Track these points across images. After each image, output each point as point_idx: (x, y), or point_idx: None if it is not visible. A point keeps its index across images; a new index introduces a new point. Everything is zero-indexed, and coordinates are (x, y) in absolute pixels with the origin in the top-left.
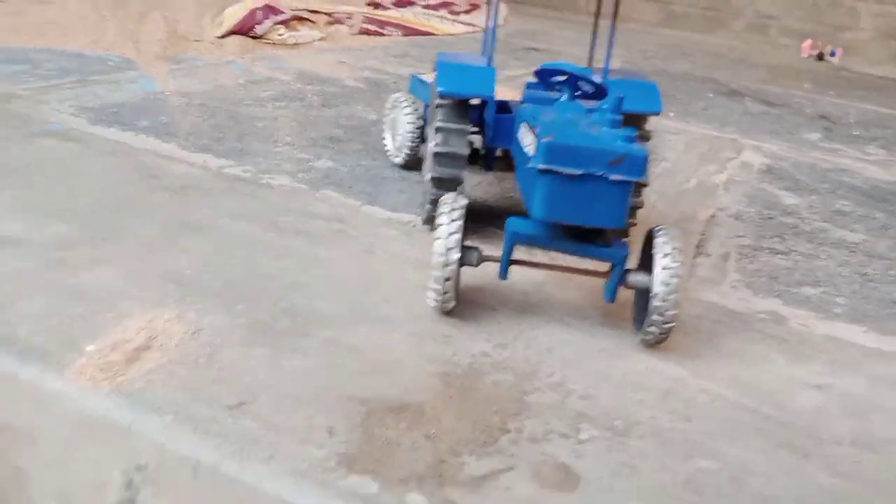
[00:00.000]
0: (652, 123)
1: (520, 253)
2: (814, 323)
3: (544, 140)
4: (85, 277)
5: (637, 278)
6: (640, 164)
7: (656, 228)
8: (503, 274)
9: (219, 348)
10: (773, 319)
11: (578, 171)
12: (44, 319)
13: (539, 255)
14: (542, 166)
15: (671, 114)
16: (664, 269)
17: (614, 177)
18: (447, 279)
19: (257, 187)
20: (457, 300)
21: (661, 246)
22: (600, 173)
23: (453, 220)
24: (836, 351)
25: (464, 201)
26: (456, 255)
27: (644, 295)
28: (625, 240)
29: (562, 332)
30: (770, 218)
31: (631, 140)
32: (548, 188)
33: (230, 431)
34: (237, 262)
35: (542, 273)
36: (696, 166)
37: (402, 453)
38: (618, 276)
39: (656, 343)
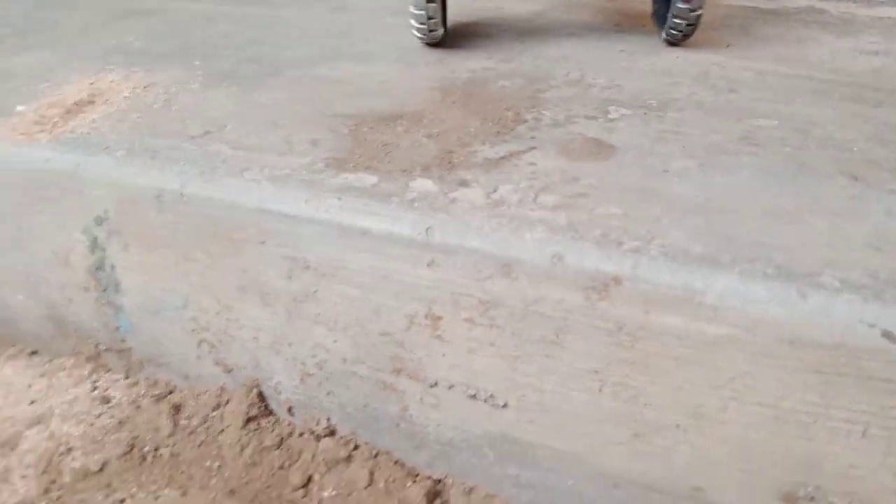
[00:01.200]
0: None
1: None
2: (855, 9)
3: None
4: (15, 61)
5: None
6: None
7: None
8: None
9: (175, 95)
10: (812, 10)
11: None
12: None
13: None
14: None
15: None
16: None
17: None
18: (430, 18)
19: None
20: (444, 27)
21: None
22: None
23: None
24: (886, 27)
25: None
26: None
27: None
28: None
29: (574, 43)
30: None
31: None
32: None
33: (196, 156)
34: (191, 31)
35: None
36: None
37: (402, 152)
38: None
39: (683, 38)
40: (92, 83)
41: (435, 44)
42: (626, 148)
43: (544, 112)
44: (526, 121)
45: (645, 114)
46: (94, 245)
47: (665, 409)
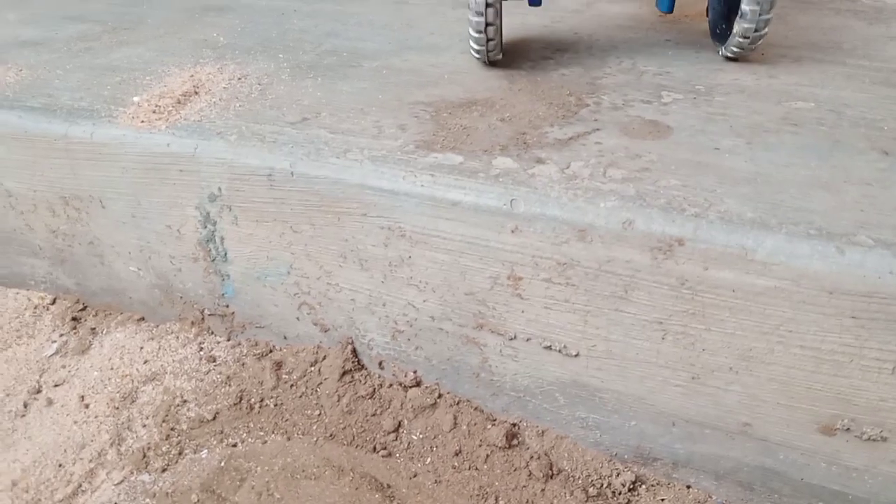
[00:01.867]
0: None
1: None
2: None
3: None
4: (115, 56)
5: None
6: None
7: None
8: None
9: (268, 85)
10: None
11: None
12: (83, 90)
13: None
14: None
15: None
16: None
17: None
18: (489, 24)
19: None
20: (502, 49)
21: None
22: None
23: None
24: None
25: None
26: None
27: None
28: None
29: (623, 33)
30: None
31: None
32: None
33: (300, 139)
34: (268, 27)
35: None
36: None
37: (480, 134)
38: None
39: (744, 56)
40: (191, 76)
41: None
42: (679, 128)
43: (603, 97)
44: (588, 105)
45: (694, 98)
46: (207, 219)
47: (719, 354)
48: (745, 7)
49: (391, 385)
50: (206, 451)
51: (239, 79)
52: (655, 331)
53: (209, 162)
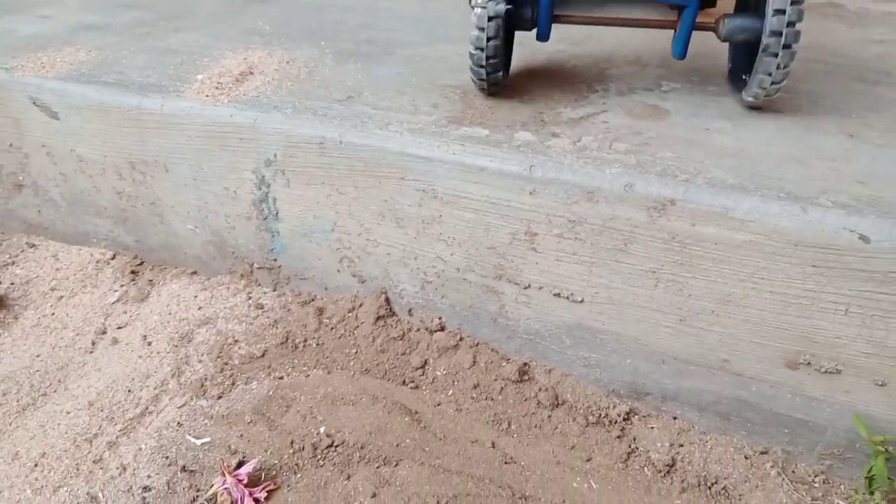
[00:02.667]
0: None
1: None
2: (870, 5)
3: None
4: (172, 40)
5: (736, 24)
6: None
7: None
8: (543, 33)
9: (314, 68)
10: (831, 4)
11: None
12: (149, 68)
13: None
14: None
15: None
16: (777, 11)
17: None
18: (490, 38)
19: None
20: (507, 72)
21: None
22: None
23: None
24: (894, 21)
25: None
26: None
27: (745, 47)
28: None
29: (630, 33)
30: None
31: None
32: None
33: (346, 113)
34: (308, 18)
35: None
36: None
37: (503, 112)
38: (691, 22)
39: (767, 98)
40: (245, 59)
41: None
42: (676, 111)
43: (610, 84)
44: (597, 91)
45: (690, 87)
46: (261, 182)
47: (703, 298)
48: (765, 60)
49: (419, 329)
50: (255, 382)
51: (287, 62)
52: (650, 279)
53: (267, 131)
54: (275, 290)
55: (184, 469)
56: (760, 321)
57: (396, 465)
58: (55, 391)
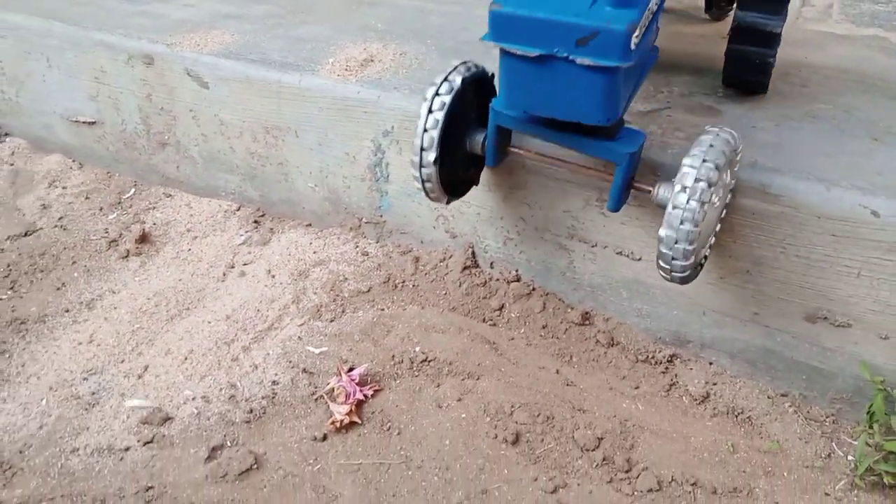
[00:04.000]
0: None
1: None
2: None
3: (492, 8)
4: (301, 31)
5: (661, 194)
6: (617, 43)
7: (709, 127)
8: (489, 160)
9: (424, 60)
10: (876, 37)
11: (535, 52)
12: (286, 51)
13: None
14: (492, 43)
15: None
16: (674, 208)
17: (581, 60)
18: (427, 180)
19: None
20: (448, 195)
21: (686, 167)
22: (564, 55)
23: (437, 97)
24: None
25: (457, 79)
26: (431, 157)
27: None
28: (636, 128)
29: (694, 48)
30: None
31: (623, 3)
32: (505, 71)
33: None
34: (414, 20)
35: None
36: None
37: None
38: (622, 180)
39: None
40: (364, 49)
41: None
42: (728, 112)
43: (674, 88)
44: (663, 92)
45: (742, 96)
46: (378, 149)
47: (740, 259)
48: (661, 232)
49: (498, 279)
50: (361, 311)
51: (400, 54)
52: None
53: (388, 107)
54: (378, 242)
55: (304, 371)
56: (786, 280)
57: (478, 378)
58: (196, 307)
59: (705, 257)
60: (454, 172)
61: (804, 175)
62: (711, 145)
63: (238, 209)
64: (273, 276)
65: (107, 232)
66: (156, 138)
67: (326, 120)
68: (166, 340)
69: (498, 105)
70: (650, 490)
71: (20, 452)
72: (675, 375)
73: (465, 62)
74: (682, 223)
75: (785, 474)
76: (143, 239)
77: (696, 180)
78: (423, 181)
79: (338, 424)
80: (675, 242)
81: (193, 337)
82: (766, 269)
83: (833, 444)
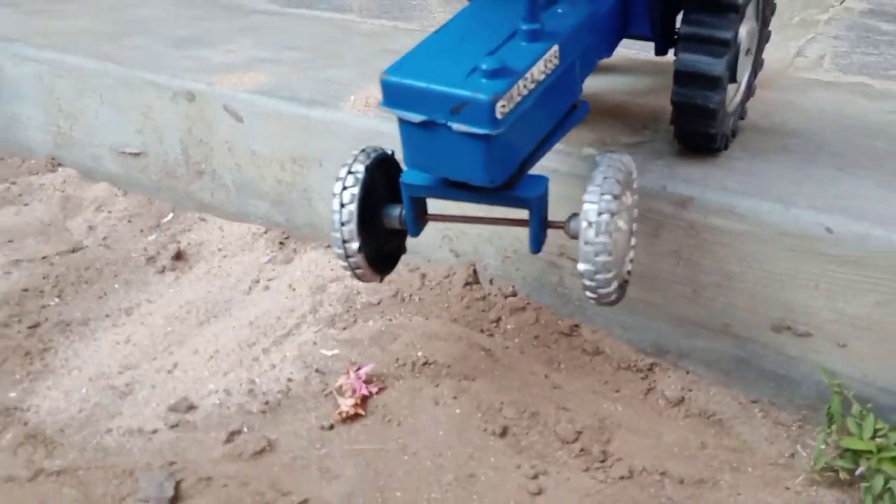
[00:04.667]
0: None
1: None
2: (894, 86)
3: (381, 77)
4: (329, 73)
5: (573, 228)
6: (482, 112)
7: (599, 157)
8: (411, 231)
9: None
10: (861, 85)
11: (419, 118)
12: (314, 90)
13: None
14: (386, 109)
15: None
16: (586, 244)
17: (457, 127)
18: (357, 268)
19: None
20: (384, 268)
21: (587, 204)
22: (443, 121)
23: (345, 190)
24: None
25: (359, 169)
26: (354, 246)
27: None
28: (539, 175)
29: None
30: (867, 37)
31: (496, 74)
32: (402, 135)
33: None
34: None
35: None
36: (800, 9)
37: (573, 136)
38: (535, 223)
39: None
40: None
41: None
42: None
43: (660, 123)
44: (648, 128)
45: None
46: None
47: (711, 274)
48: (579, 266)
49: (496, 294)
50: (371, 321)
51: None
52: (673, 258)
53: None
54: None
55: (317, 370)
56: (753, 293)
57: (473, 380)
58: (223, 315)
59: (629, 273)
60: (381, 251)
61: (767, 196)
62: (605, 177)
63: (265, 232)
64: (293, 290)
65: (146, 250)
66: (194, 168)
67: (347, 150)
68: (195, 342)
69: (406, 177)
70: (622, 477)
71: (61, 431)
72: (654, 381)
73: (363, 150)
74: (596, 256)
75: (749, 470)
76: (179, 257)
77: (599, 214)
78: (352, 269)
79: (344, 415)
80: (596, 274)
81: (219, 339)
82: (734, 282)
83: (797, 445)
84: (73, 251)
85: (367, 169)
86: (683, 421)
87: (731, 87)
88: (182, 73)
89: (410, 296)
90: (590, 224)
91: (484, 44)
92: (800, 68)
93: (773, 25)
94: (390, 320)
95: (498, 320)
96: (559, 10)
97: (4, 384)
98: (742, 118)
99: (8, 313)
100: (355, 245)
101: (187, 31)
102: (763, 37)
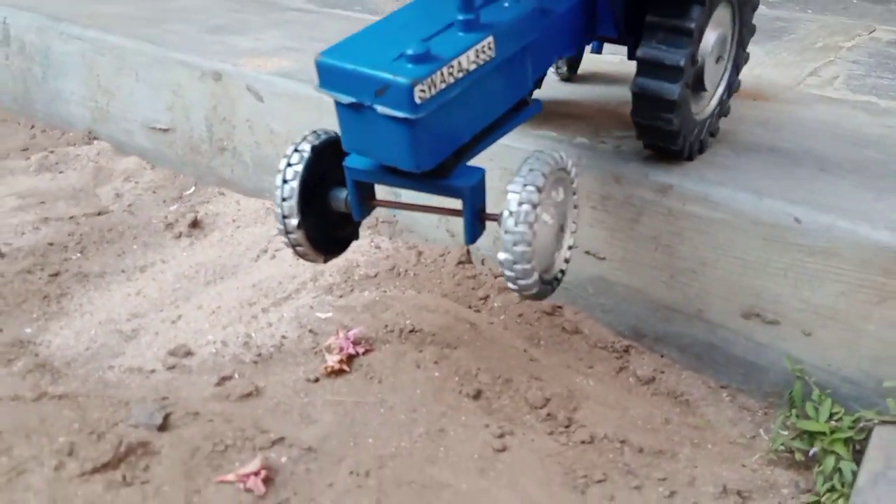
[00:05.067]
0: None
1: None
2: (877, 100)
3: (316, 59)
4: None
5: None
6: (402, 96)
7: (529, 155)
8: (355, 215)
9: None
10: (866, 103)
11: (347, 100)
12: None
13: None
14: (321, 90)
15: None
16: (506, 232)
17: (381, 109)
18: (297, 244)
19: None
20: (325, 254)
21: (510, 194)
22: (368, 104)
23: (289, 167)
24: None
25: (306, 148)
26: (294, 222)
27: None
28: (475, 165)
29: None
30: (886, 63)
31: (420, 59)
32: (338, 117)
33: None
34: None
35: None
36: (826, 36)
37: (569, 128)
38: (469, 214)
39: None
40: None
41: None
42: None
43: None
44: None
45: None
46: None
47: (687, 260)
48: (499, 255)
49: (486, 274)
50: (367, 291)
51: None
52: (651, 243)
53: None
54: (390, 239)
55: (310, 331)
56: (726, 280)
57: (455, 349)
58: (229, 277)
59: (562, 272)
60: (327, 232)
61: (740, 186)
62: (531, 169)
63: None
64: (298, 259)
65: (166, 218)
66: (216, 144)
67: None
68: (200, 299)
69: (349, 161)
70: (583, 442)
71: (67, 364)
72: (627, 361)
73: (314, 131)
74: (515, 245)
75: (709, 446)
76: (195, 225)
77: (520, 203)
78: (293, 246)
79: (329, 370)
80: (514, 263)
81: (223, 297)
82: (708, 269)
83: (760, 429)
84: (99, 214)
85: (314, 149)
86: (651, 398)
87: (699, 95)
88: (211, 56)
89: (406, 271)
90: (510, 213)
91: (421, 32)
92: (810, 86)
93: (793, 49)
94: (385, 292)
95: (486, 297)
96: (505, 4)
97: (22, 320)
98: (713, 135)
99: (32, 262)
100: (294, 221)
101: (223, 20)
102: (740, 56)
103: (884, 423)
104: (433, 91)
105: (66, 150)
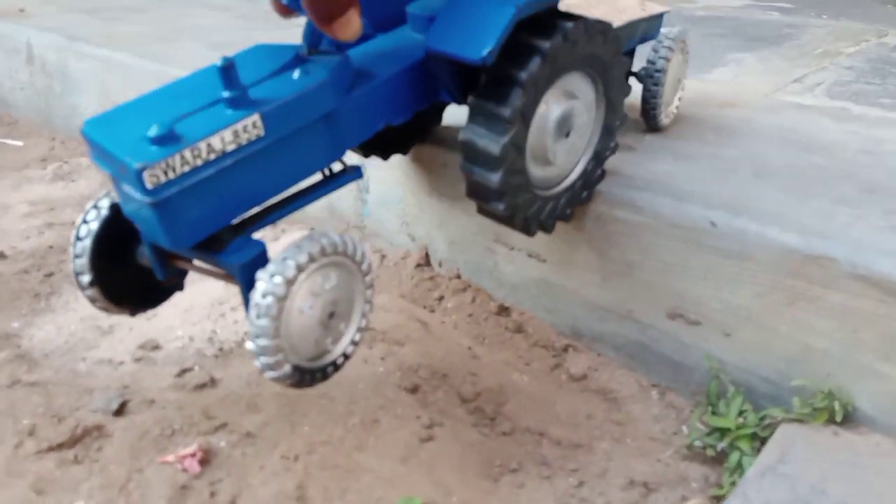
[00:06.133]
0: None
1: None
2: (877, 113)
3: (82, 127)
4: None
5: None
6: (134, 180)
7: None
8: (157, 273)
9: None
10: (839, 109)
11: (107, 172)
12: None
13: None
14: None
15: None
16: (249, 322)
17: (125, 188)
18: (94, 300)
19: None
20: (134, 307)
21: (258, 277)
22: (119, 181)
23: (84, 224)
24: (878, 124)
25: (104, 204)
26: (86, 280)
27: None
28: (257, 240)
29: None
30: (881, 69)
31: (159, 141)
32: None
33: None
34: None
35: None
36: (831, 41)
37: None
38: (246, 288)
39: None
40: None
41: None
42: (640, 150)
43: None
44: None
45: (660, 136)
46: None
47: (616, 262)
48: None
49: (443, 276)
50: None
51: None
52: (585, 246)
53: None
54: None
55: None
56: (651, 281)
57: (403, 346)
58: (206, 279)
59: (345, 355)
60: (135, 286)
61: (662, 191)
62: (284, 258)
63: None
64: None
65: None
66: None
67: None
68: (175, 298)
69: None
70: (504, 433)
71: (45, 356)
72: (564, 359)
73: None
74: (257, 338)
75: (628, 441)
76: None
77: (263, 295)
78: (90, 301)
79: None
80: (259, 355)
81: (195, 297)
82: (636, 271)
83: (683, 426)
84: None
85: (114, 206)
86: (580, 395)
87: (549, 170)
88: None
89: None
90: (254, 304)
91: (185, 107)
92: (789, 92)
93: (789, 56)
94: None
95: (441, 298)
96: (293, 76)
97: (12, 315)
98: (566, 218)
99: (31, 263)
100: (87, 278)
101: (229, 37)
102: (613, 119)
103: (788, 420)
104: (172, 174)
105: (80, 160)
